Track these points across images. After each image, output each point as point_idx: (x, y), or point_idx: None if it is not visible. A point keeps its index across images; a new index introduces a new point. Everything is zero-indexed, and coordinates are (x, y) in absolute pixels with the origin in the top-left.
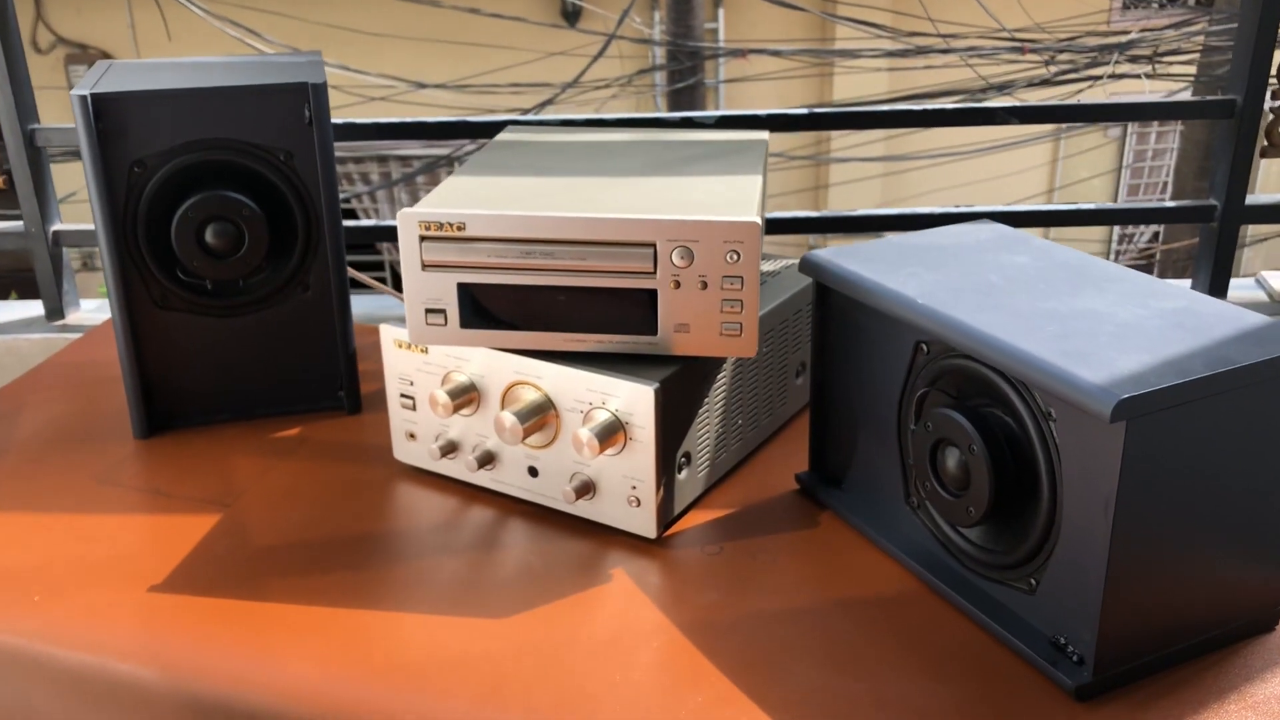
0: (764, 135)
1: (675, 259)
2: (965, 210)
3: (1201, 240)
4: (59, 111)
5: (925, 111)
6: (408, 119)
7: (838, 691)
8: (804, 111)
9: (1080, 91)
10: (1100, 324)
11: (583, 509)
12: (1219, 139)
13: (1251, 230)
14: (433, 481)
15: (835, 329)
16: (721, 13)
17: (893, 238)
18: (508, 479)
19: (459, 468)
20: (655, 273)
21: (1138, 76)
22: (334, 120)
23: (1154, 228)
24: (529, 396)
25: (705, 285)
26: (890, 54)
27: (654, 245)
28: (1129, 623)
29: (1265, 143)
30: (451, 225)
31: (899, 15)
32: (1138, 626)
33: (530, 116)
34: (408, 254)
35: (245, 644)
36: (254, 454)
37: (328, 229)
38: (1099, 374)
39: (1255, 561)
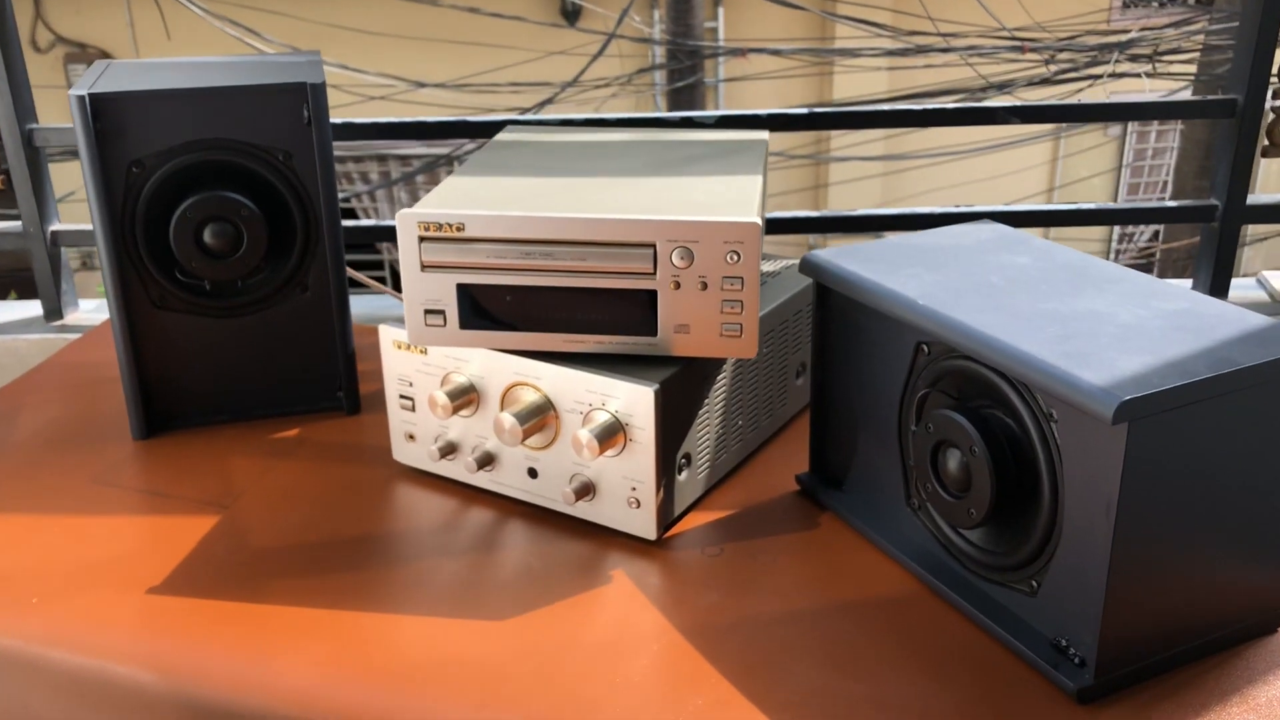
0: (764, 135)
1: (675, 259)
2: (966, 210)
3: (1202, 240)
4: (58, 111)
5: (925, 111)
6: (407, 119)
7: (838, 694)
8: (804, 111)
9: (1080, 90)
10: (1102, 325)
11: (582, 510)
12: (1220, 138)
13: (1251, 230)
14: (432, 483)
15: (836, 330)
16: (721, 11)
17: (893, 238)
18: (507, 480)
19: (458, 469)
20: (655, 273)
21: (1138, 75)
22: (333, 120)
23: (1154, 226)
24: (528, 397)
25: (705, 286)
26: (890, 53)
27: (654, 246)
28: (1131, 625)
29: (1266, 142)
30: (451, 226)
31: (899, 14)
32: (1140, 629)
33: (530, 116)
34: (407, 255)
35: (244, 646)
36: (253, 455)
37: (327, 229)
38: (1101, 375)
39: (1257, 563)
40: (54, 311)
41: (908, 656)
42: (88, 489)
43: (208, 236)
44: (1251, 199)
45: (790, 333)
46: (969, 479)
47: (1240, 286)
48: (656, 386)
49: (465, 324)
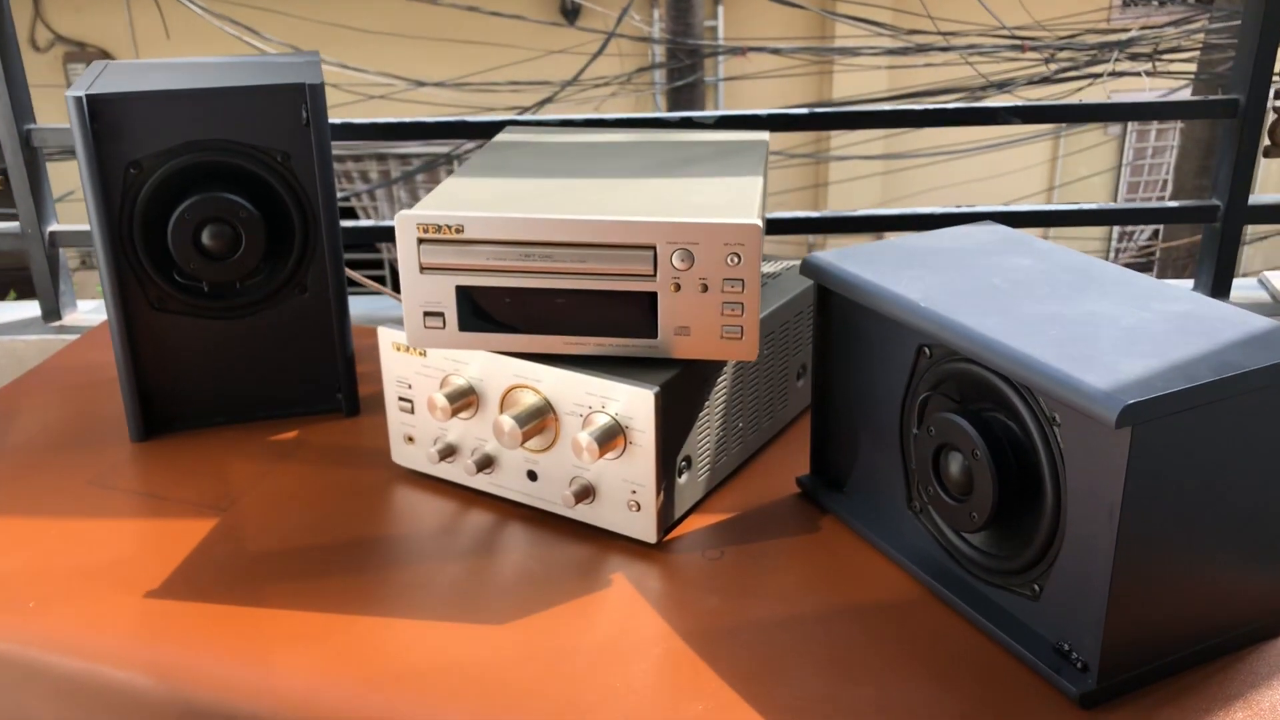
0: (764, 136)
1: (675, 261)
2: (967, 210)
3: (1204, 240)
4: (58, 111)
5: (926, 111)
6: (406, 119)
7: (840, 698)
8: (805, 111)
9: (1080, 89)
10: (1104, 328)
11: (582, 513)
12: (1222, 139)
13: (1251, 229)
14: (431, 485)
15: (837, 332)
16: (721, 10)
17: (894, 240)
18: (507, 483)
19: (457, 471)
20: (655, 275)
21: (1138, 74)
22: (332, 120)
23: (1154, 225)
24: (528, 400)
25: (706, 288)
26: (890, 52)
27: (654, 248)
28: (1134, 629)
29: (1268, 142)
30: (450, 227)
31: (899, 13)
32: (1143, 633)
33: (529, 116)
34: (406, 256)
35: (242, 650)
36: (251, 457)
37: (325, 230)
38: (1104, 379)
39: (1261, 567)
40: (52, 312)
41: (909, 661)
42: (85, 491)
43: (206, 238)
44: (1253, 199)
45: (791, 334)
46: (971, 483)
47: (1241, 287)
48: (657, 389)
49: (464, 326)
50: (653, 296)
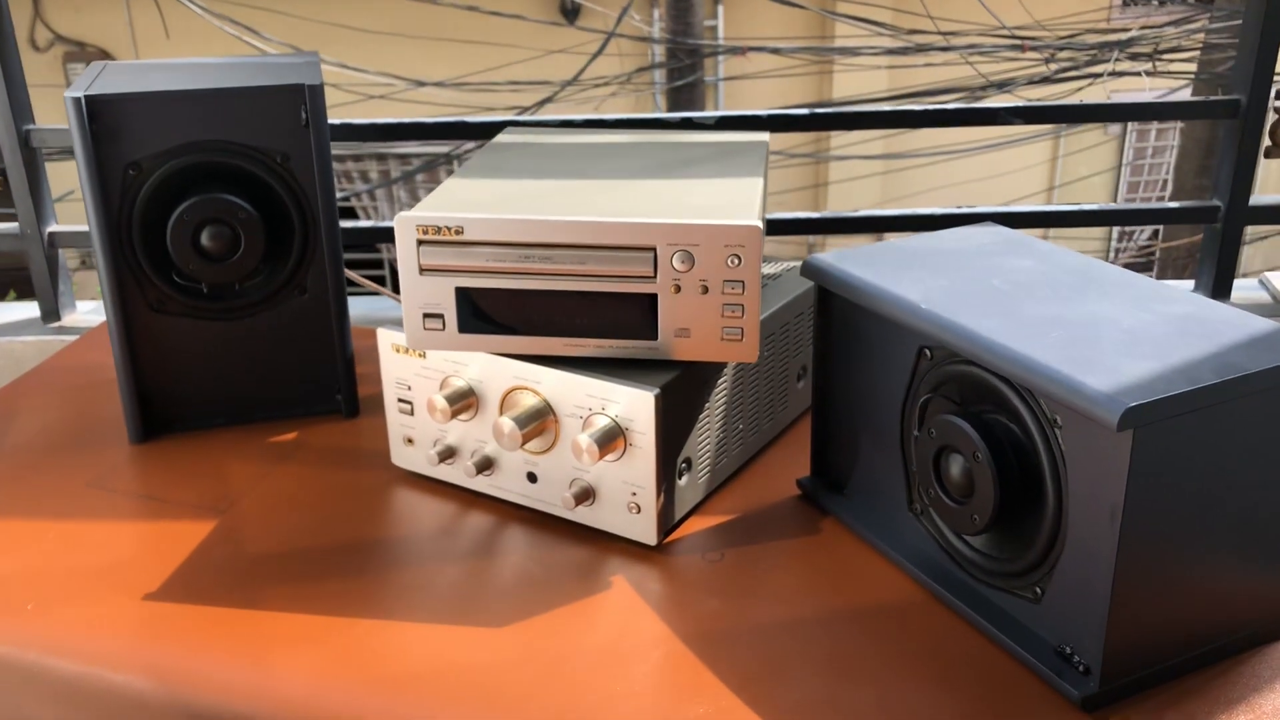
0: (764, 136)
1: (676, 263)
2: (967, 211)
3: (1205, 241)
4: (57, 111)
5: (927, 111)
6: (405, 119)
7: (841, 701)
8: (805, 112)
9: (1080, 89)
10: (1106, 330)
11: (582, 515)
12: (1223, 139)
13: (1251, 229)
14: (431, 487)
15: (837, 334)
16: (721, 10)
17: (895, 241)
18: (506, 485)
19: (457, 473)
20: (655, 277)
21: (1138, 74)
22: (331, 121)
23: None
24: (528, 402)
25: (706, 289)
26: (890, 51)
27: (654, 249)
28: (1136, 632)
29: (1269, 142)
30: (449, 229)
31: (899, 13)
32: (1145, 636)
33: (529, 117)
34: (405, 258)
35: (241, 653)
36: (250, 459)
37: (325, 231)
38: (1106, 381)
39: (1263, 570)
40: (51, 313)
41: (911, 663)
42: (84, 493)
43: (205, 239)
44: (1254, 200)
45: (791, 336)
46: (972, 485)
47: (1242, 288)
48: (657, 391)
49: (464, 328)
50: (653, 298)
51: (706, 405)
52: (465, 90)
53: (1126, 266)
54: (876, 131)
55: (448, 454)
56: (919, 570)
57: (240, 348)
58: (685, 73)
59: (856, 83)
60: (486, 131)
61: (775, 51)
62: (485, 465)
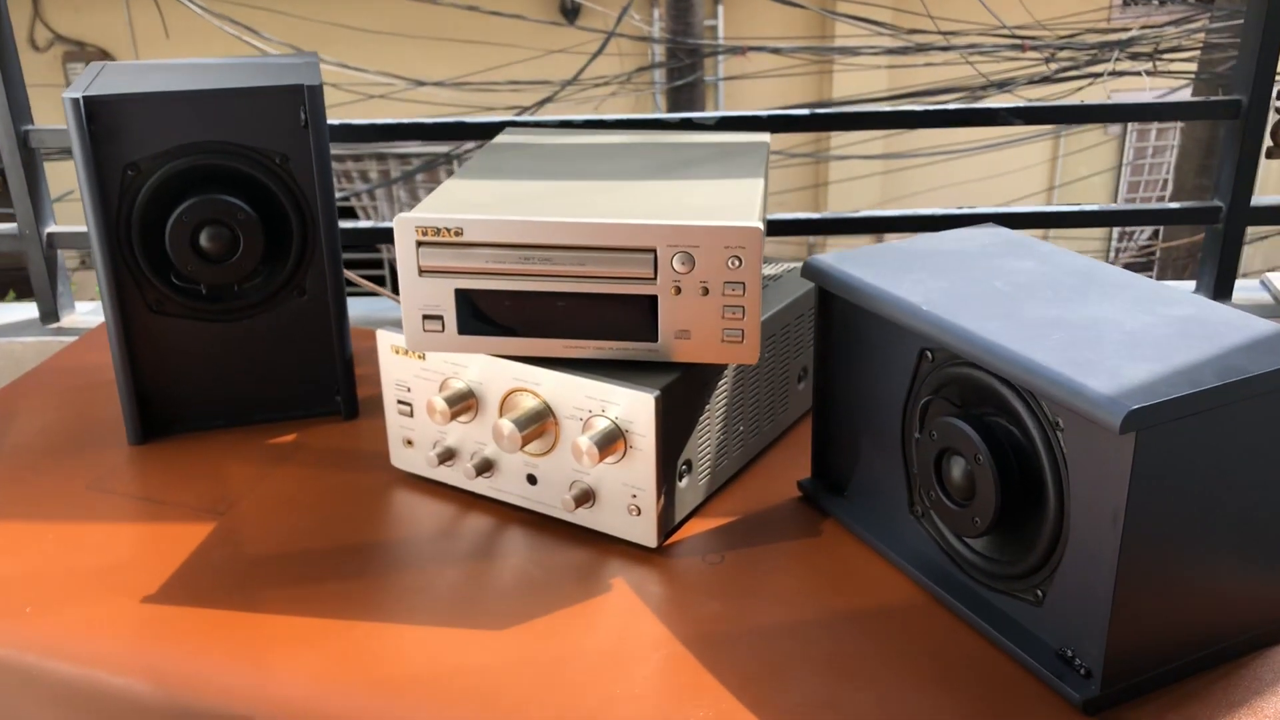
0: (765, 137)
1: (676, 264)
2: (968, 212)
3: (1206, 242)
4: (57, 111)
5: (928, 112)
6: (405, 120)
7: (842, 704)
8: (806, 113)
9: (1080, 89)
10: (1108, 332)
11: (582, 517)
12: (1224, 140)
13: (1251, 229)
14: (430, 489)
15: (838, 335)
16: (721, 9)
17: (896, 242)
18: (506, 487)
19: (457, 475)
20: (656, 278)
21: (1138, 74)
22: (331, 121)
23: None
24: (528, 404)
25: (706, 291)
26: (890, 51)
27: (654, 251)
28: (1137, 635)
29: (1270, 143)
30: (449, 230)
31: (899, 12)
32: (1146, 639)
33: (529, 117)
34: (405, 259)
35: (240, 655)
36: (249, 460)
37: (324, 232)
38: (1108, 384)
39: (1266, 572)
40: (50, 314)
41: (912, 666)
42: (83, 495)
43: (204, 240)
44: (1255, 200)
45: (792, 337)
46: (973, 487)
47: (1244, 289)
48: (657, 393)
49: (464, 329)
50: (653, 299)
51: (707, 407)
52: (465, 90)
53: (1126, 266)
54: (876, 132)
55: (447, 456)
56: (920, 573)
57: (239, 349)
58: (685, 72)
59: (856, 82)
60: (486, 132)
61: (775, 51)
62: (485, 467)
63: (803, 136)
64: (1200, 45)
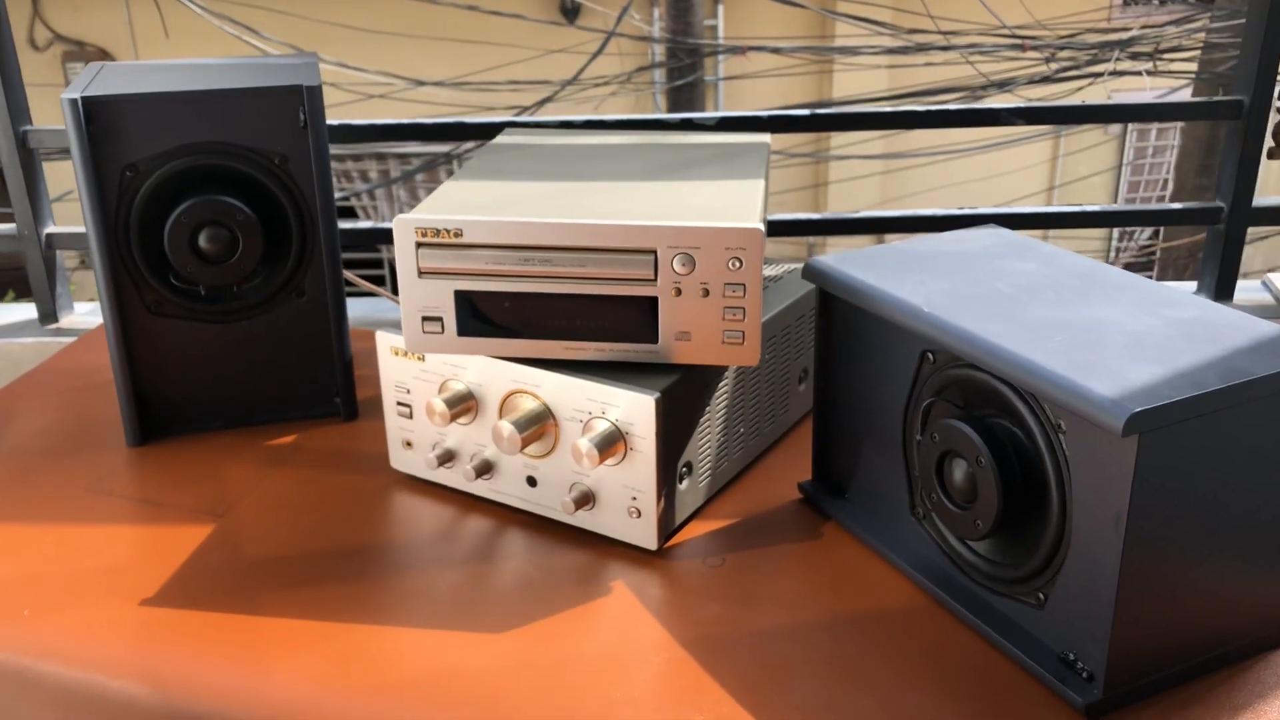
0: (765, 138)
1: (676, 266)
2: (969, 213)
3: (1208, 243)
4: (56, 110)
5: (929, 113)
6: (404, 120)
7: (843, 707)
8: (807, 113)
9: (1081, 89)
10: (1110, 334)
11: (582, 520)
12: (1225, 140)
13: (1251, 228)
14: (430, 491)
15: (839, 337)
16: (721, 9)
17: (897, 244)
18: (506, 489)
19: (456, 477)
20: (656, 280)
21: (1139, 73)
22: (330, 121)
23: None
24: (527, 405)
25: (707, 293)
26: (890, 51)
27: (655, 252)
28: (1140, 639)
29: (1272, 143)
30: (448, 231)
31: (899, 12)
32: (1149, 643)
33: (528, 118)
34: (404, 261)
35: (238, 659)
36: (248, 462)
37: (323, 233)
38: (1111, 386)
39: (1269, 575)
40: (48, 315)
41: (913, 669)
42: (81, 497)
43: (203, 241)
44: (1257, 201)
45: (793, 338)
46: (975, 490)
47: (1245, 289)
48: (657, 395)
49: (463, 331)
50: (653, 301)
51: (707, 409)
52: (465, 90)
53: (1127, 266)
54: (876, 131)
55: (447, 457)
56: (921, 575)
57: (238, 350)
58: (685, 72)
59: (856, 82)
60: (486, 132)
61: (775, 51)
62: (484, 469)
63: (803, 136)
64: (1201, 45)
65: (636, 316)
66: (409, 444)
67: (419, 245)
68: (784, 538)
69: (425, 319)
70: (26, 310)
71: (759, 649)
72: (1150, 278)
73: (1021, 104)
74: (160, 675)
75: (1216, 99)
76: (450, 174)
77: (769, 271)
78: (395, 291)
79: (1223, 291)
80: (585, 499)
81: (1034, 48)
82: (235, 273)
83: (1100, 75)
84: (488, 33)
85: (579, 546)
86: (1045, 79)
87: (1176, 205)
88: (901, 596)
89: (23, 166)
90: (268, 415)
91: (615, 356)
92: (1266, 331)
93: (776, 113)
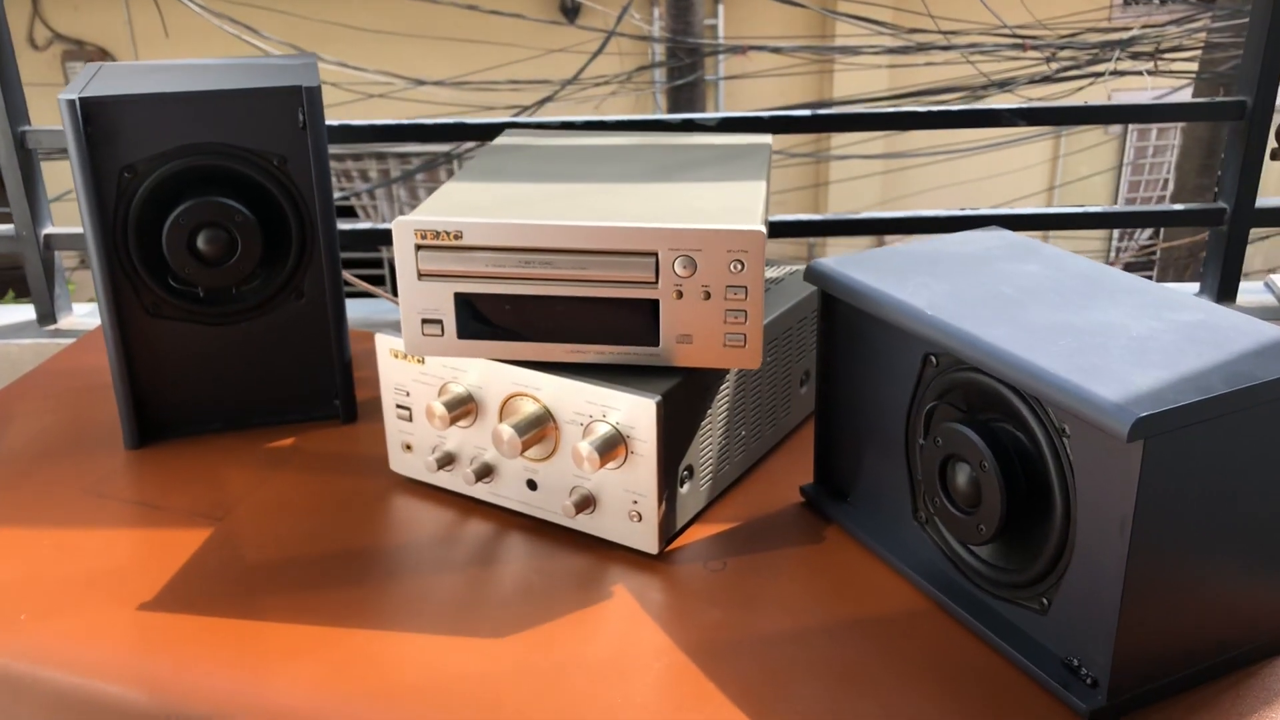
0: (766, 139)
1: (677, 268)
2: (971, 214)
3: (1210, 244)
4: (55, 110)
5: (930, 113)
6: (404, 121)
7: (845, 712)
8: (808, 114)
9: (1082, 89)
10: (1115, 337)
11: (583, 523)
12: (1228, 141)
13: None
14: (429, 494)
15: (841, 340)
16: (721, 9)
17: (899, 246)
18: (506, 492)
19: (456, 480)
20: (657, 282)
21: (1139, 73)
22: (330, 122)
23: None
24: (528, 408)
25: (708, 295)
26: (891, 50)
27: (656, 254)
28: (1145, 645)
29: (1275, 144)
30: (448, 234)
31: (900, 12)
32: (1153, 648)
33: (528, 118)
34: (403, 263)
35: (236, 664)
36: (247, 465)
37: (322, 235)
38: (1115, 390)
39: (1274, 581)
40: (47, 316)
41: (916, 675)
42: (78, 500)
43: (201, 243)
44: (1260, 202)
45: (794, 340)
46: (978, 494)
47: (1248, 291)
48: (658, 398)
49: (463, 333)
50: (654, 304)
51: (708, 412)
52: (465, 89)
53: (1127, 266)
54: (877, 131)
55: (446, 461)
56: (924, 580)
57: (237, 352)
58: (685, 72)
59: (857, 82)
60: (486, 132)
61: (776, 50)
62: (484, 472)
63: (803, 136)
64: (1202, 45)
65: (637, 319)
66: (409, 447)
67: (419, 247)
68: (786, 542)
69: (425, 321)
70: (25, 311)
71: (760, 653)
72: (1150, 278)
73: (1022, 104)
74: (158, 680)
75: (1219, 100)
76: (450, 174)
77: (770, 273)
78: (394, 292)
79: (1225, 293)
80: (586, 502)
81: (1034, 47)
82: (234, 274)
83: (1101, 75)
84: (488, 32)
85: (579, 550)
86: (1046, 79)
87: (1179, 206)
88: (904, 601)
89: (21, 167)
90: (267, 418)
91: (616, 359)
92: (1272, 335)
93: (778, 113)
